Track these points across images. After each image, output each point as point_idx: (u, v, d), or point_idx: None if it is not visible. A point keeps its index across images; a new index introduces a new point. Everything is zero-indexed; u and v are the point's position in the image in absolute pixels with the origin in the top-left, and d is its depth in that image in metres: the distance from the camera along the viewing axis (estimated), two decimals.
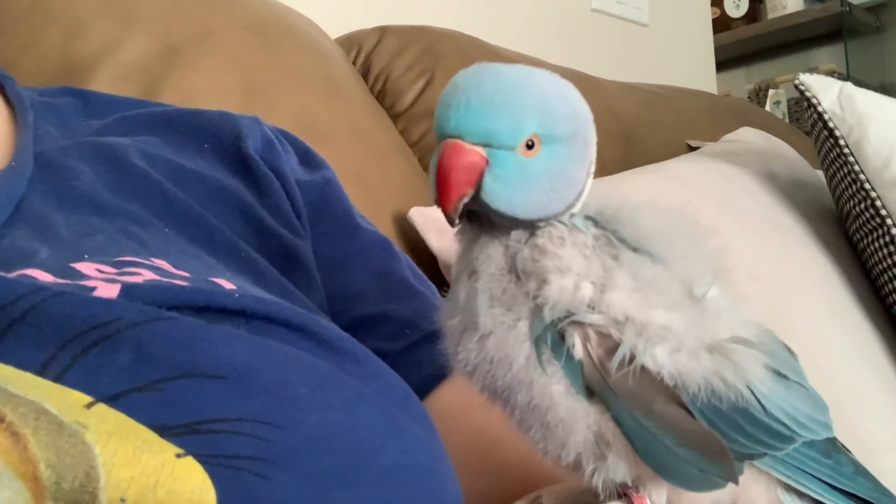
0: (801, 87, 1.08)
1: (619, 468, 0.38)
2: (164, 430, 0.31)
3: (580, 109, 0.38)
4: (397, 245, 0.65)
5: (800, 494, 0.39)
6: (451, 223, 0.36)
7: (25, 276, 0.37)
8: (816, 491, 0.39)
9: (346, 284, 0.58)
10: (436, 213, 0.87)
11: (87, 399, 0.31)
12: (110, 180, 0.51)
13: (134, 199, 0.51)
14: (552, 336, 0.37)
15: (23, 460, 0.28)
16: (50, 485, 0.28)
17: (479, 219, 0.38)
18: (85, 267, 0.40)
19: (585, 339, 0.37)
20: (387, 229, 0.87)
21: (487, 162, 0.35)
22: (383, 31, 1.12)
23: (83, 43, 0.77)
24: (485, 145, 0.35)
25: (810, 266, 1.00)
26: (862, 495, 0.39)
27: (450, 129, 0.35)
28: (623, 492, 0.39)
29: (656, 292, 0.37)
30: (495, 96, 0.35)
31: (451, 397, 0.53)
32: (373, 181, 0.90)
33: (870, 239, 1.03)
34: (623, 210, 0.40)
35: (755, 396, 0.37)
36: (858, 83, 1.12)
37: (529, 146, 0.36)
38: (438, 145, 0.36)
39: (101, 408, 0.31)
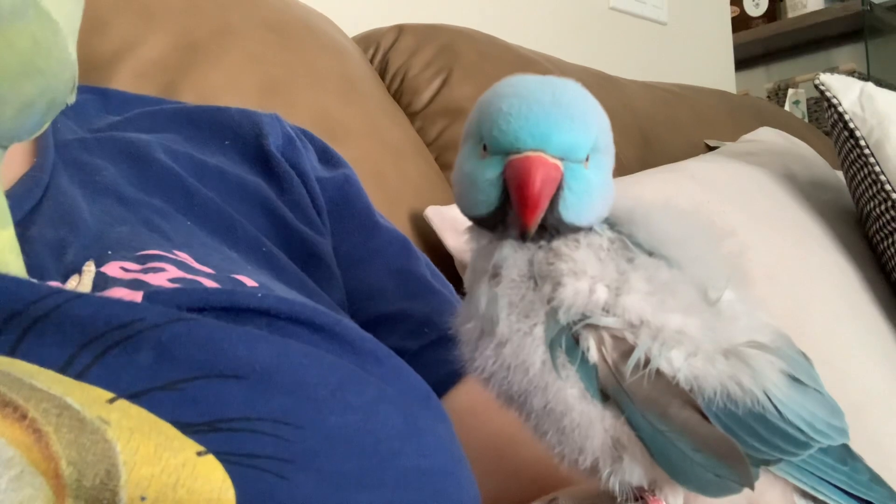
0: (822, 87, 1.07)
1: (634, 471, 0.38)
2: (184, 428, 0.32)
3: (607, 119, 0.39)
4: (414, 244, 0.65)
5: (815, 501, 0.39)
6: (526, 237, 0.37)
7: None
8: (832, 498, 0.39)
9: (365, 282, 0.58)
10: (452, 212, 0.87)
11: (109, 395, 0.32)
12: (132, 174, 0.52)
13: (156, 193, 0.51)
14: (567, 339, 0.37)
15: (45, 457, 0.28)
16: (71, 482, 0.28)
17: (497, 224, 0.38)
18: (110, 268, 0.40)
19: (600, 343, 0.37)
20: (403, 228, 0.87)
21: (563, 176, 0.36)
22: (401, 30, 1.12)
23: (103, 41, 0.77)
24: (562, 159, 0.36)
25: (829, 267, 1.00)
26: (877, 502, 0.39)
27: (532, 142, 0.35)
28: (639, 495, 0.39)
29: (672, 296, 0.37)
30: (573, 111, 0.36)
31: (469, 397, 0.54)
32: (390, 179, 0.90)
33: (890, 241, 1.03)
34: (637, 212, 0.40)
35: (771, 401, 0.37)
36: (879, 83, 1.11)
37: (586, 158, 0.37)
38: (508, 156, 0.36)
39: (123, 403, 0.32)
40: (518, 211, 0.36)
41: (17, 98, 0.37)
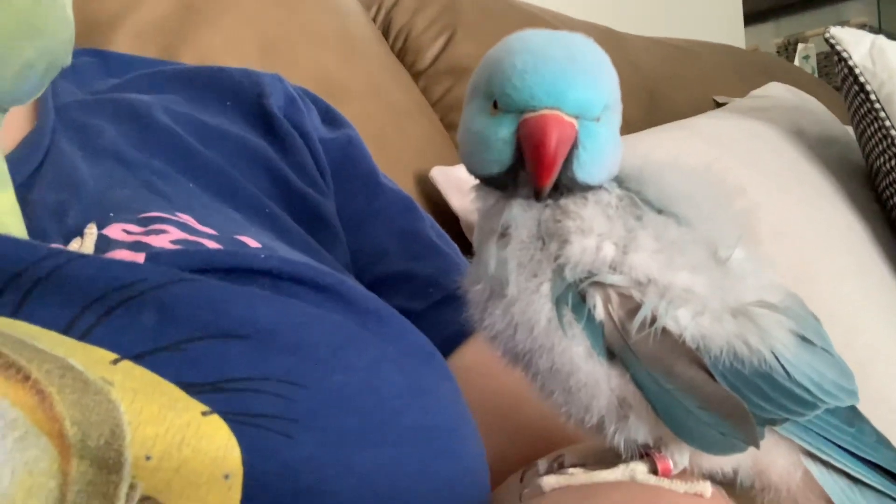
0: (832, 41, 1.05)
1: (640, 430, 0.38)
2: (189, 388, 0.32)
3: (616, 75, 0.38)
4: (419, 205, 0.64)
5: (821, 462, 0.39)
6: (541, 197, 0.36)
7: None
8: (838, 459, 0.38)
9: (370, 243, 0.58)
10: (457, 172, 0.87)
11: (113, 356, 0.32)
12: (133, 136, 0.51)
13: (157, 155, 0.51)
14: (573, 297, 0.37)
15: (48, 418, 0.28)
16: (76, 442, 0.28)
17: (508, 183, 0.37)
18: (112, 230, 0.40)
19: (607, 301, 0.36)
20: (408, 188, 0.87)
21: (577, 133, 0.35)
22: None
23: (102, 3, 0.77)
24: (576, 116, 0.35)
25: (838, 224, 0.99)
26: (883, 464, 0.39)
27: (548, 100, 0.35)
28: (645, 452, 0.39)
29: (680, 254, 0.37)
30: (588, 67, 0.36)
31: (475, 356, 0.54)
32: (393, 140, 0.90)
33: None
34: (647, 170, 0.39)
35: (779, 361, 0.37)
36: (891, 36, 1.09)
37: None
38: (523, 114, 0.35)
39: (127, 364, 0.32)
40: (533, 170, 0.35)
41: (16, 58, 0.36)
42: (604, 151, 0.37)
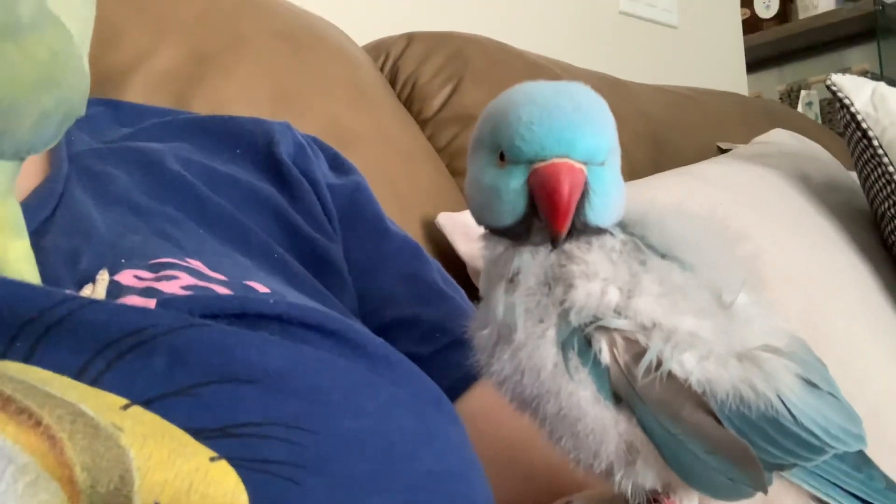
0: (834, 88, 1.06)
1: (648, 475, 0.37)
2: (198, 434, 0.32)
3: (613, 119, 0.39)
4: (426, 250, 0.65)
5: None
6: (557, 243, 0.37)
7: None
8: (846, 503, 0.38)
9: (377, 288, 0.59)
10: (464, 218, 0.87)
11: (123, 401, 0.32)
12: (145, 183, 0.52)
13: (168, 202, 0.51)
14: (579, 341, 0.37)
15: (59, 463, 0.28)
16: (85, 488, 0.28)
17: (522, 233, 0.38)
18: (124, 276, 0.41)
19: (612, 345, 0.37)
20: (415, 234, 0.87)
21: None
22: (410, 38, 1.12)
23: (116, 53, 0.78)
24: (585, 163, 0.36)
25: (844, 268, 0.99)
26: None
27: (557, 149, 0.35)
28: (654, 498, 0.39)
29: (684, 298, 0.37)
30: (593, 115, 0.37)
31: (482, 401, 0.54)
32: (401, 186, 0.91)
33: None
34: (650, 215, 0.40)
35: (785, 405, 0.36)
36: (892, 83, 1.11)
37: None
38: (533, 164, 0.36)
39: (137, 410, 0.32)
40: (549, 218, 0.36)
41: (34, 109, 0.37)
42: (612, 194, 0.37)
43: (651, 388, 0.36)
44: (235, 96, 0.82)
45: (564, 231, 0.36)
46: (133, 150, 0.55)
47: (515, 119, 0.36)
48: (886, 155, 1.01)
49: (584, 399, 0.37)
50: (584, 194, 0.36)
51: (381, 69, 1.10)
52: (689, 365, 0.36)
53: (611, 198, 0.37)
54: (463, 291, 0.62)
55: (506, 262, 0.39)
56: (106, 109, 0.63)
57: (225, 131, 0.61)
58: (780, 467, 0.37)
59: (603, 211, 0.37)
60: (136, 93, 0.76)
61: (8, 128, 0.36)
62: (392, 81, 1.10)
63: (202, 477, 0.30)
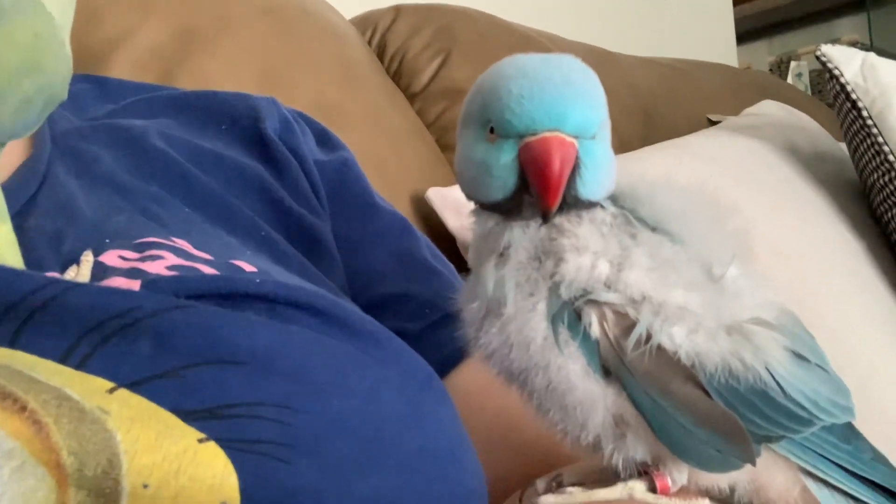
0: (823, 59, 1.06)
1: (637, 448, 0.38)
2: (185, 416, 0.32)
3: (604, 93, 0.39)
4: (415, 225, 0.65)
5: (818, 479, 0.39)
6: (548, 218, 0.37)
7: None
8: (834, 476, 0.38)
9: (366, 264, 0.58)
10: (453, 193, 0.87)
11: (109, 385, 0.32)
12: (129, 162, 0.52)
13: (153, 180, 0.51)
14: (569, 315, 0.37)
15: (45, 448, 0.28)
16: (73, 472, 0.28)
17: (512, 208, 0.38)
18: (108, 257, 0.40)
19: (602, 318, 0.37)
20: (404, 210, 0.87)
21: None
22: (398, 11, 1.11)
23: (99, 30, 0.77)
24: (576, 136, 0.36)
25: (834, 240, 0.99)
26: (880, 482, 0.39)
27: (548, 123, 0.35)
28: (644, 470, 0.39)
29: (674, 272, 0.37)
30: (583, 88, 0.36)
31: (472, 377, 0.54)
32: (389, 162, 0.90)
33: (894, 211, 1.02)
34: (641, 188, 0.40)
35: (774, 378, 0.37)
36: (882, 53, 1.10)
37: None
38: (524, 138, 0.36)
39: (124, 393, 0.32)
40: (540, 193, 0.35)
41: (16, 94, 0.36)
42: (603, 167, 0.37)
43: (640, 362, 0.36)
44: (221, 73, 0.81)
45: (555, 206, 0.35)
46: (117, 127, 0.54)
47: (505, 93, 0.36)
48: (876, 126, 1.00)
49: (573, 372, 0.37)
50: (575, 168, 0.36)
51: (369, 43, 1.09)
52: (678, 338, 0.36)
53: (602, 171, 0.37)
54: (453, 267, 0.62)
55: (496, 236, 0.38)
56: (91, 87, 0.63)
57: (209, 107, 0.60)
58: (769, 439, 0.37)
59: (594, 185, 0.37)
60: (121, 70, 0.76)
61: None
62: (380, 55, 1.09)
63: (190, 459, 0.30)
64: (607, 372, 0.37)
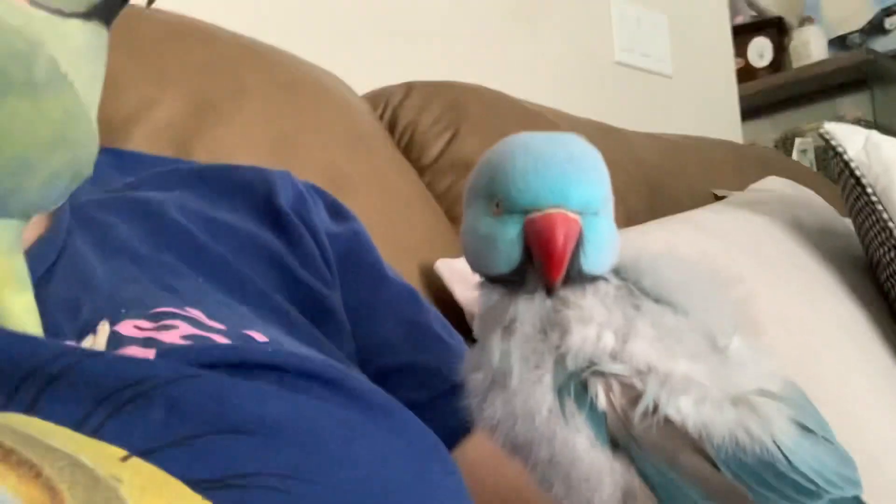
0: (826, 136, 1.08)
1: None
2: (196, 485, 0.32)
3: (607, 170, 0.40)
4: (423, 296, 0.65)
5: None
6: (552, 292, 0.37)
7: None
8: None
9: (375, 334, 0.59)
10: (462, 264, 0.87)
11: (122, 453, 0.32)
12: (145, 232, 0.53)
13: (168, 251, 0.52)
14: (575, 386, 0.37)
15: None
16: None
17: (517, 281, 0.38)
18: (124, 327, 0.41)
19: (608, 390, 0.37)
20: (412, 280, 0.88)
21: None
22: (410, 87, 1.14)
23: (118, 103, 0.79)
24: (579, 213, 0.37)
25: (840, 314, 0.99)
26: None
27: (552, 199, 0.36)
28: None
29: (678, 342, 0.37)
30: (587, 165, 0.38)
31: (479, 448, 0.53)
32: (399, 233, 0.91)
33: None
34: (643, 260, 0.40)
35: (780, 450, 0.37)
36: (886, 131, 1.12)
37: None
38: (528, 214, 0.37)
39: (136, 461, 0.32)
40: (544, 267, 0.36)
41: (45, 168, 0.37)
42: (606, 242, 0.38)
43: (648, 433, 0.36)
44: (236, 144, 0.83)
45: (559, 280, 0.36)
46: (134, 199, 0.56)
47: (511, 169, 0.37)
48: (881, 202, 1.01)
49: (579, 445, 0.37)
50: (579, 243, 0.37)
51: (381, 117, 1.12)
52: (685, 409, 0.36)
53: (605, 246, 0.38)
54: (461, 338, 0.63)
55: (502, 309, 0.39)
56: (108, 159, 0.64)
57: (225, 180, 0.61)
58: None
59: (597, 259, 0.38)
60: (138, 142, 0.77)
61: (18, 186, 0.36)
62: (391, 129, 1.11)
63: None
64: (615, 444, 0.37)
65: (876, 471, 0.78)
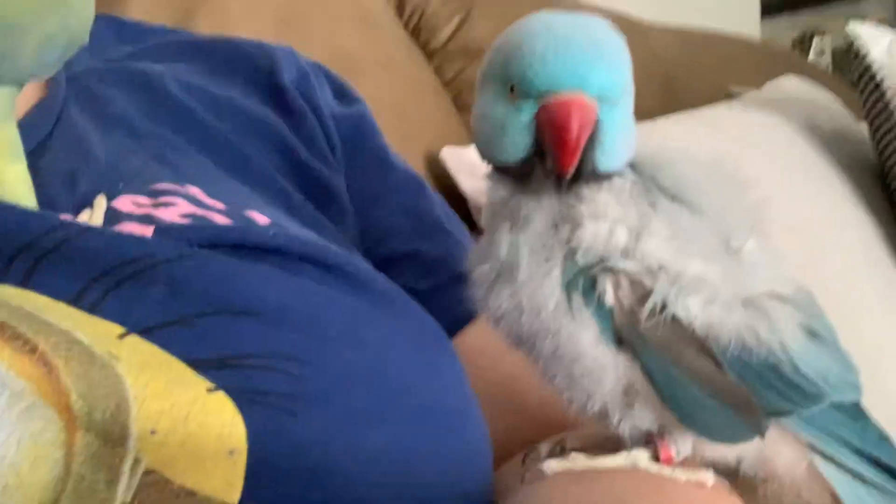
0: (850, 37, 1.04)
1: (644, 417, 0.38)
2: (196, 364, 0.32)
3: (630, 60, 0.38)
4: (428, 184, 0.64)
5: (824, 455, 0.39)
6: (562, 183, 0.36)
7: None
8: (840, 453, 0.38)
9: (379, 220, 0.58)
10: (468, 154, 0.86)
11: (120, 330, 0.32)
12: (144, 106, 0.51)
13: (169, 126, 0.51)
14: (584, 282, 0.36)
15: (55, 390, 0.28)
16: (81, 415, 0.28)
17: (526, 172, 0.37)
18: (122, 202, 0.40)
19: (617, 286, 0.36)
20: (417, 167, 0.86)
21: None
22: None
23: None
24: (598, 100, 0.35)
25: (849, 221, 0.99)
26: (886, 461, 0.39)
27: (571, 83, 0.34)
28: (648, 439, 0.39)
29: (692, 242, 0.37)
30: (609, 51, 0.36)
31: (480, 338, 0.54)
32: (405, 118, 0.90)
33: None
34: (660, 157, 0.39)
35: (787, 353, 0.36)
36: None
37: None
38: (544, 96, 0.35)
39: (134, 339, 0.32)
40: (555, 156, 0.35)
41: (38, 31, 0.36)
42: (623, 135, 0.37)
43: (654, 331, 0.36)
44: (240, 18, 0.80)
45: (571, 170, 0.35)
46: (133, 71, 0.54)
47: (529, 50, 0.35)
48: None
49: (584, 340, 0.37)
50: (595, 134, 0.35)
51: None
52: (693, 309, 0.36)
53: (621, 139, 0.37)
54: (465, 228, 0.62)
55: (511, 203, 0.38)
56: (108, 26, 0.62)
57: (228, 55, 0.59)
58: (778, 413, 0.37)
59: (613, 153, 0.36)
60: (139, 8, 0.75)
61: (10, 51, 0.35)
62: (399, 10, 1.07)
63: (199, 407, 0.30)
64: (619, 341, 0.37)
65: (870, 373, 0.79)
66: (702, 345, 0.36)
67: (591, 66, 0.35)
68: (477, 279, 0.39)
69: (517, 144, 0.36)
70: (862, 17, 2.76)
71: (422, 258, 0.57)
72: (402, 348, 0.39)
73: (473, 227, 0.64)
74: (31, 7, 0.35)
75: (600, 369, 0.37)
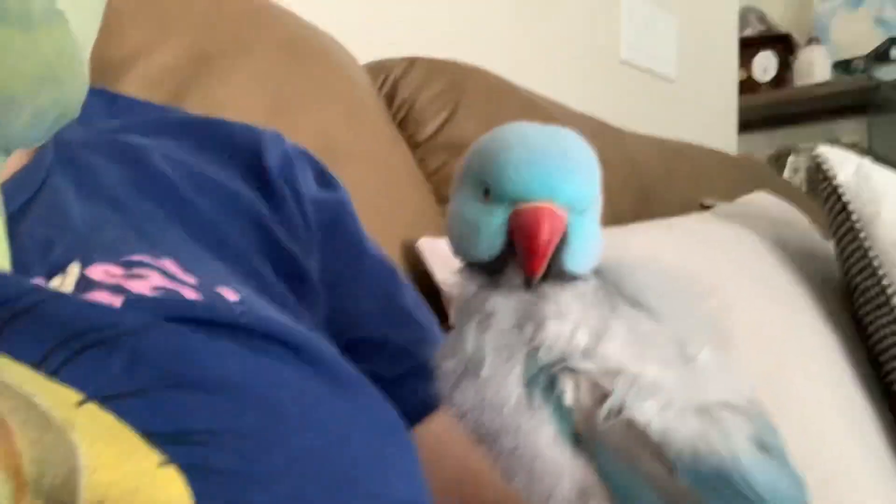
0: (819, 159, 1.08)
1: None
2: (151, 437, 0.32)
3: (599, 171, 0.40)
4: (403, 273, 0.65)
5: None
6: (531, 285, 0.37)
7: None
8: None
9: (349, 305, 0.59)
10: (444, 245, 0.87)
11: (79, 397, 0.32)
12: (128, 178, 0.52)
13: (150, 198, 0.51)
14: (544, 380, 0.37)
15: (8, 453, 0.28)
16: (32, 480, 0.28)
17: (496, 270, 0.38)
18: (94, 271, 0.40)
19: (577, 387, 0.37)
20: (393, 256, 0.87)
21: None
22: (412, 62, 1.13)
23: (117, 45, 0.78)
24: (567, 209, 0.37)
25: (813, 335, 1.00)
26: None
27: (542, 192, 0.36)
28: None
29: (650, 347, 0.37)
30: (580, 163, 0.38)
31: (439, 430, 0.53)
32: (384, 207, 0.91)
33: (874, 315, 1.03)
34: (624, 265, 0.40)
35: (737, 464, 0.37)
36: (879, 159, 1.13)
37: None
38: (516, 204, 0.37)
39: (92, 407, 0.32)
40: (525, 259, 0.36)
41: (32, 104, 0.37)
42: (589, 242, 0.38)
43: (611, 433, 0.36)
44: (230, 100, 0.82)
45: (539, 274, 0.36)
46: (120, 143, 0.55)
47: (504, 158, 0.37)
48: (864, 230, 1.02)
49: (542, 438, 0.37)
50: (563, 240, 0.37)
51: (380, 89, 1.11)
52: (649, 413, 0.36)
53: (588, 245, 0.38)
54: (434, 319, 0.63)
55: (481, 300, 0.39)
56: (99, 99, 0.63)
57: (215, 134, 0.61)
58: None
59: (580, 258, 0.38)
60: (133, 85, 0.76)
61: (2, 120, 0.36)
62: (389, 102, 1.10)
63: (149, 481, 0.30)
64: (578, 441, 0.37)
65: (824, 489, 0.79)
66: (656, 449, 0.36)
67: (562, 177, 0.36)
68: (444, 374, 0.40)
69: (489, 244, 0.38)
70: (836, 138, 2.86)
71: (389, 345, 0.58)
72: (358, 435, 0.38)
73: (445, 318, 0.65)
74: (28, 80, 0.36)
75: (558, 469, 0.37)
